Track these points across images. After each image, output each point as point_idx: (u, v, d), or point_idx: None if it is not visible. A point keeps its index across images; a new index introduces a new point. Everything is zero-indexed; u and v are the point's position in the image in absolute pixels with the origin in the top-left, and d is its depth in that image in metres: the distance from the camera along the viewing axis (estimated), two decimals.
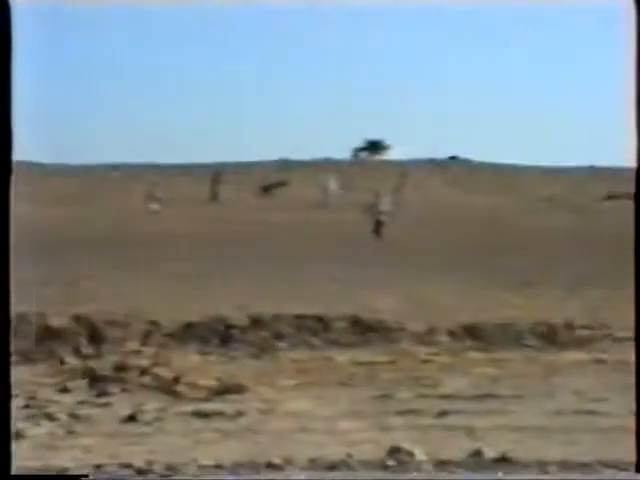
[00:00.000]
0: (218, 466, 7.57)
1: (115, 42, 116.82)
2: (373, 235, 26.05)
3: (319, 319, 13.20)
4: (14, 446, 8.41)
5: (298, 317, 13.28)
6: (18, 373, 11.37)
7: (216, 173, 50.69)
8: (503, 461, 7.66)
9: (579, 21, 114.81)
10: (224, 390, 10.23)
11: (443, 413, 9.37)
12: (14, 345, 12.06)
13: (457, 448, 8.02)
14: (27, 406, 9.79)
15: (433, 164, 65.11)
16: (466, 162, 67.94)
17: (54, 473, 5.78)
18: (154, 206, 42.32)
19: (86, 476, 5.22)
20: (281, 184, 53.58)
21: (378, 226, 26.75)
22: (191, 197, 48.75)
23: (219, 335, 12.76)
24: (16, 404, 9.82)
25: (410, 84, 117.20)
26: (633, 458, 7.65)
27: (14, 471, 3.51)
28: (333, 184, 48.47)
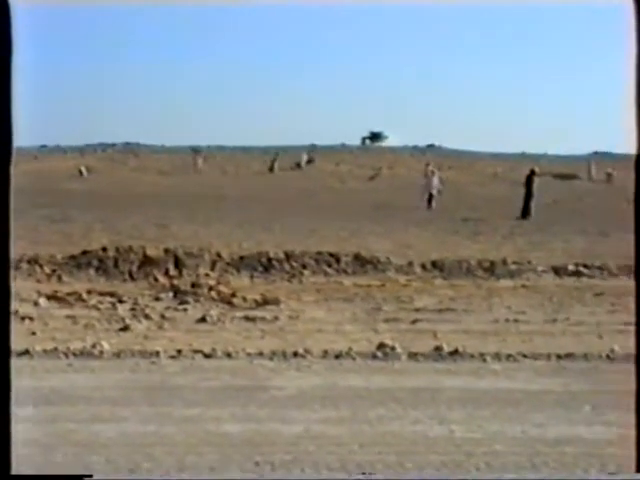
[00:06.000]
0: (260, 354, 7.61)
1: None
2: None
3: (332, 255, 13.17)
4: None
5: (318, 253, 13.25)
6: (126, 287, 11.50)
7: (275, 154, 50.50)
8: (456, 353, 7.67)
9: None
10: (265, 302, 10.29)
11: (415, 321, 9.40)
12: (123, 269, 12.13)
13: (425, 345, 8.04)
14: (132, 309, 9.89)
15: (416, 150, 64.36)
16: (440, 149, 67.13)
17: (56, 473, 4.58)
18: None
19: (90, 476, 4.20)
20: (310, 161, 53.05)
21: (430, 199, 25.83)
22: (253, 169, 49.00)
23: (263, 265, 12.78)
24: (125, 307, 9.95)
25: (410, 82, 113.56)
26: (545, 351, 7.64)
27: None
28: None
